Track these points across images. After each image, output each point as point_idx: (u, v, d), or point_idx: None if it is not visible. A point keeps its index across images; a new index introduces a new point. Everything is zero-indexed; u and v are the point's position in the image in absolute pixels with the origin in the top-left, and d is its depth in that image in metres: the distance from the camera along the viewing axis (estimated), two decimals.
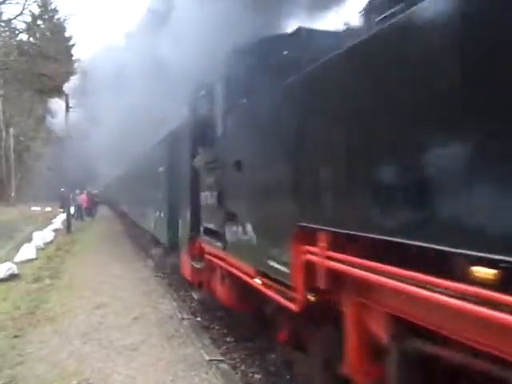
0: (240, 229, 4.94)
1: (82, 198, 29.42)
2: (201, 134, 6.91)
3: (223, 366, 5.39)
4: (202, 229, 6.90)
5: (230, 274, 5.53)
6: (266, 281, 4.28)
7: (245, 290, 5.21)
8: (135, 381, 4.93)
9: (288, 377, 5.17)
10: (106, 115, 14.93)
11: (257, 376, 5.41)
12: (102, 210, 35.93)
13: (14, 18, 35.83)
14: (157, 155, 12.48)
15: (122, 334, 6.46)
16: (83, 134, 19.02)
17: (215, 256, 6.12)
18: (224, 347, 6.36)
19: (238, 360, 5.91)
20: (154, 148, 13.45)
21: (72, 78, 24.31)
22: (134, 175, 18.89)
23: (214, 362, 5.42)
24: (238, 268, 5.15)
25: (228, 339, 6.65)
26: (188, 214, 7.67)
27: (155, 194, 12.33)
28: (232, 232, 5.25)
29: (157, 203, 12.11)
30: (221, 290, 6.17)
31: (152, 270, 11.80)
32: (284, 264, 3.77)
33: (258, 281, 4.48)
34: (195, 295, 7.91)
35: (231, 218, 5.22)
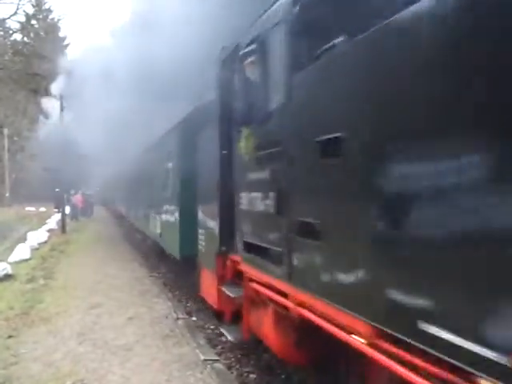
0: (329, 253, 3.11)
1: (77, 198, 29.39)
2: (242, 110, 4.80)
3: (218, 365, 5.38)
4: (240, 243, 4.97)
5: (301, 319, 3.66)
6: (383, 344, 2.58)
7: (317, 342, 3.78)
8: (130, 381, 4.90)
9: (283, 376, 5.17)
10: (98, 113, 14.82)
11: (252, 376, 5.41)
12: (100, 211, 35.83)
13: (8, 18, 35.78)
14: (164, 149, 10.76)
15: (117, 334, 6.44)
16: (76, 134, 18.88)
17: (267, 286, 4.30)
18: (219, 347, 6.36)
19: (233, 360, 5.91)
20: (159, 141, 11.72)
21: (59, 77, 24.14)
22: (133, 173, 17.45)
23: (209, 361, 5.41)
24: (317, 313, 3.34)
25: (223, 339, 6.63)
26: (216, 222, 5.84)
27: (161, 194, 10.73)
28: (307, 255, 3.41)
29: (164, 205, 10.49)
30: (275, 335, 4.35)
31: (147, 269, 11.77)
32: (484, 341, 1.88)
33: (359, 339, 2.84)
34: (229, 335, 5.51)
35: (307, 233, 3.34)
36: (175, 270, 10.74)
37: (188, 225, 7.96)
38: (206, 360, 5.44)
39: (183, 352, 5.74)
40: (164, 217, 10.43)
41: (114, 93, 12.27)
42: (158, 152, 11.86)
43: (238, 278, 5.23)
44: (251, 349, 6.05)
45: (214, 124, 5.85)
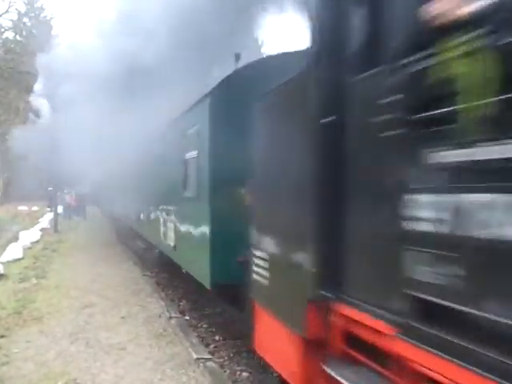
0: None
1: (71, 197, 29.28)
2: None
3: (211, 364, 5.40)
4: (396, 299, 2.29)
5: None
6: None
7: None
8: (123, 380, 4.92)
9: (275, 375, 5.19)
10: (86, 108, 14.41)
11: (244, 374, 5.43)
12: (94, 212, 35.68)
13: (0, 16, 35.59)
14: (179, 134, 8.21)
15: (110, 333, 6.44)
16: (65, 132, 18.61)
17: None
18: (212, 346, 6.38)
19: (225, 358, 5.94)
20: (171, 126, 9.11)
21: (42, 75, 23.75)
22: (132, 170, 14.16)
23: (202, 360, 5.43)
24: None
25: (216, 338, 6.66)
26: (306, 246, 3.24)
27: (177, 194, 8.37)
28: None
29: (180, 209, 8.16)
30: None
31: (140, 269, 11.75)
32: None
33: None
34: None
35: None
36: (168, 269, 10.73)
37: (224, 239, 5.85)
38: (198, 359, 5.45)
39: (176, 351, 5.75)
40: (181, 225, 8.01)
41: (103, 86, 11.84)
42: (171, 137, 9.06)
43: (349, 344, 2.87)
44: (244, 347, 6.08)
45: (300, 79, 3.46)
